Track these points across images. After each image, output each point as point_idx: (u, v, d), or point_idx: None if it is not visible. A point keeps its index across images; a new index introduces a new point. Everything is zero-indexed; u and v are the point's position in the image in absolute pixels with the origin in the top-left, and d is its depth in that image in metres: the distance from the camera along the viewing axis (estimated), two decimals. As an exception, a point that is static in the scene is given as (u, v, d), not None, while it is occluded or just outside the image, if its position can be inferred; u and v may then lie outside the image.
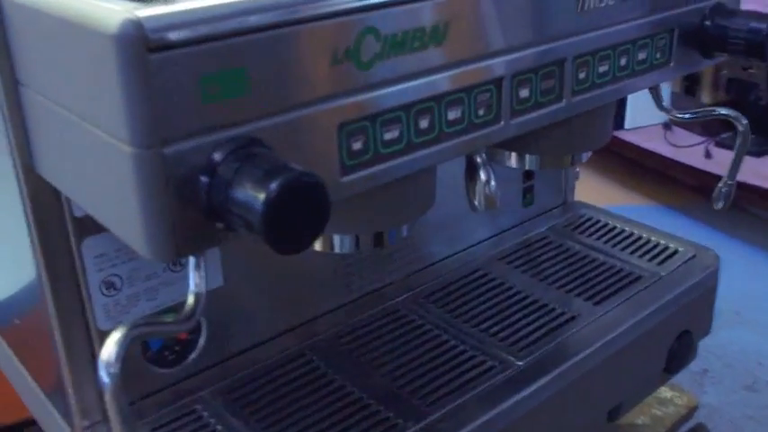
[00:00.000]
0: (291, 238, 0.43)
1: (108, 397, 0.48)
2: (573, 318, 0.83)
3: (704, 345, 0.98)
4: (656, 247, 0.97)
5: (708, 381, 1.44)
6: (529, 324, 0.82)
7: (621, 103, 2.32)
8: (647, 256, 0.95)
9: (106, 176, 0.47)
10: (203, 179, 0.44)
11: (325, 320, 0.84)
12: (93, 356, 0.67)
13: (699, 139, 2.14)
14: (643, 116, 2.23)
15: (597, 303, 0.86)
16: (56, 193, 0.61)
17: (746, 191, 1.84)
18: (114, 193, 0.46)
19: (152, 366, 0.72)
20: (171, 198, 0.44)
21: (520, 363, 0.76)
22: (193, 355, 0.74)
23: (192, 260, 0.50)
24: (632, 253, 0.96)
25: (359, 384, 0.74)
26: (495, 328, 0.82)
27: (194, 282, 0.50)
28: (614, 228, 1.01)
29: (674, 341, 0.90)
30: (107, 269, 0.67)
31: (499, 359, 0.77)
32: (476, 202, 0.71)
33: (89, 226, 0.64)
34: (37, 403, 0.79)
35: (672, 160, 2.09)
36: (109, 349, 0.48)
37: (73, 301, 0.66)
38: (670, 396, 1.06)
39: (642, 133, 2.23)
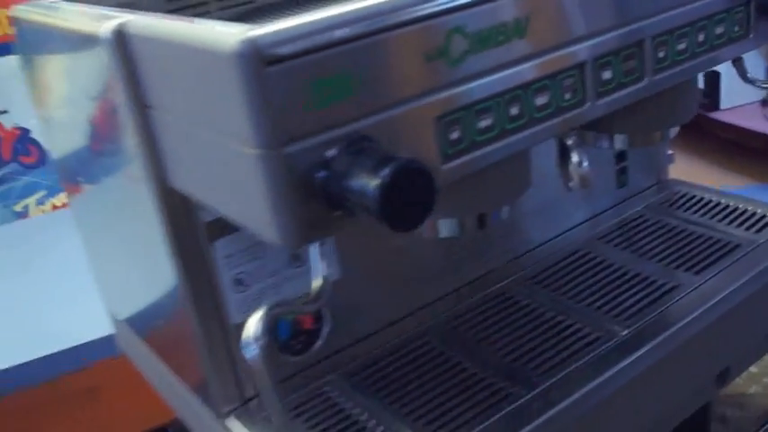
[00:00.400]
0: (404, 218, 0.48)
1: (258, 366, 0.54)
2: (674, 287, 0.85)
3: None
4: (753, 215, 0.98)
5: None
6: (631, 296, 0.85)
7: (716, 84, 2.29)
8: (745, 225, 0.96)
9: (235, 177, 0.52)
10: (321, 173, 0.49)
11: (437, 306, 0.88)
12: (229, 348, 0.74)
13: (800, 113, 2.09)
14: (739, 95, 2.19)
15: (697, 273, 0.87)
16: (185, 202, 0.66)
17: None
18: (243, 191, 0.52)
19: (282, 354, 0.78)
20: (294, 191, 0.49)
21: (624, 332, 0.79)
22: (319, 342, 0.79)
23: (315, 247, 0.56)
24: (729, 223, 0.97)
25: (473, 360, 0.78)
26: (599, 302, 0.85)
27: (319, 266, 0.56)
28: (710, 201, 1.03)
29: (778, 306, 0.91)
30: (235, 268, 0.73)
31: (604, 330, 0.80)
32: (570, 184, 0.75)
33: (218, 229, 0.70)
34: (182, 401, 0.86)
35: (772, 137, 2.05)
36: (254, 326, 0.54)
37: (208, 299, 0.72)
38: (782, 364, 1.07)
39: (739, 112, 2.19)
